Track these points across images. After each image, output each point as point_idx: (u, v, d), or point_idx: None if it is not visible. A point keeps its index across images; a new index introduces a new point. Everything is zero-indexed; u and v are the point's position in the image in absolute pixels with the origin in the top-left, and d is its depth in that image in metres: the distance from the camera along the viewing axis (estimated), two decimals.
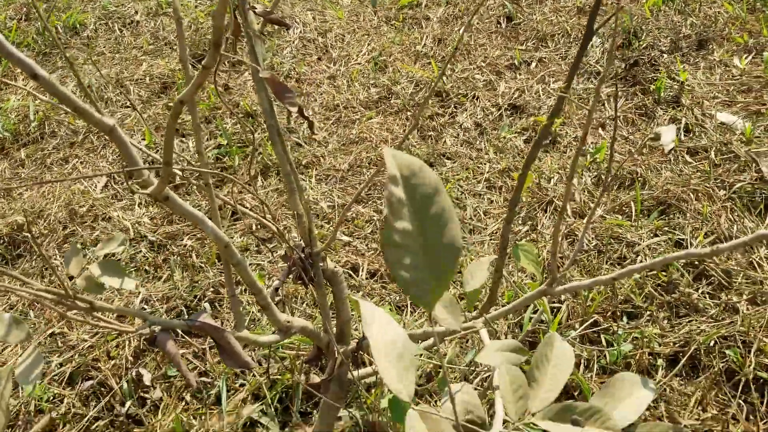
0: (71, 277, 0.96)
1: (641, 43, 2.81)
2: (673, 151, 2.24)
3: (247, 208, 2.21)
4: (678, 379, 1.58)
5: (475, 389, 1.53)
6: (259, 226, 2.12)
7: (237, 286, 1.92)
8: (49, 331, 1.83)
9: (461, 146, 2.48)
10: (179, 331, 1.79)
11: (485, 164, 2.37)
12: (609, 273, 1.76)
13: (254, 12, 1.16)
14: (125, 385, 1.67)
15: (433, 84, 0.96)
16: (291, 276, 1.17)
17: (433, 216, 0.45)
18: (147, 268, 2.02)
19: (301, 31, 3.23)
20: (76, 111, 0.69)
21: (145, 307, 1.88)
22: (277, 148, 1.10)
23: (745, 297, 1.71)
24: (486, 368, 1.59)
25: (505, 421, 0.62)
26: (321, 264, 1.17)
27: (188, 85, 0.73)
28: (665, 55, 2.73)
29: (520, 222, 2.10)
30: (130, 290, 1.93)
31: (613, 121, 2.46)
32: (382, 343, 0.59)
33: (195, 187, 2.29)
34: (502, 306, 1.09)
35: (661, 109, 2.45)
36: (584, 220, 2.01)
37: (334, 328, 1.22)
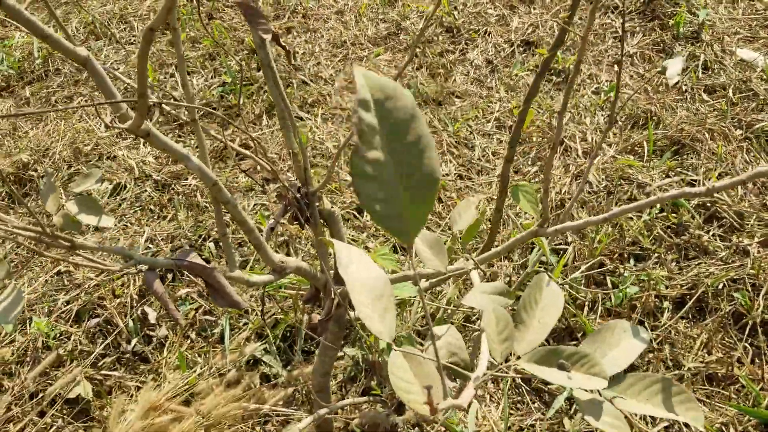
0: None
1: None
2: (689, 89, 2.16)
3: (251, 148, 2.18)
4: (684, 321, 1.56)
5: (477, 331, 1.52)
6: (258, 168, 2.09)
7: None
8: (56, 270, 1.84)
9: (471, 84, 2.41)
10: (184, 272, 1.79)
11: (495, 103, 2.31)
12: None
13: None
14: (131, 323, 1.68)
15: (431, 13, 0.91)
16: (287, 216, 1.15)
17: (409, 144, 0.42)
18: (152, 207, 2.01)
19: None
20: (46, 41, 0.66)
21: (150, 246, 1.88)
22: (270, 82, 1.06)
23: (757, 239, 1.67)
24: None
25: (491, 364, 0.60)
26: (317, 204, 1.14)
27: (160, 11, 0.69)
28: None
29: (529, 163, 2.06)
30: (135, 229, 1.93)
31: (629, 57, 2.38)
32: (360, 284, 0.56)
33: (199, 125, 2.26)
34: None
35: (679, 45, 2.36)
36: (594, 161, 1.96)
37: (332, 269, 1.20)
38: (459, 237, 1.09)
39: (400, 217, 0.42)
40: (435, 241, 0.69)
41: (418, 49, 2.58)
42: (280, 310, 1.62)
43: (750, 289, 1.57)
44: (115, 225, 1.96)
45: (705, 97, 2.13)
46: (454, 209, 0.83)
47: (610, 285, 1.63)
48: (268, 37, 0.70)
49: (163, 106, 1.10)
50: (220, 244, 1.87)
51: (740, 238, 1.68)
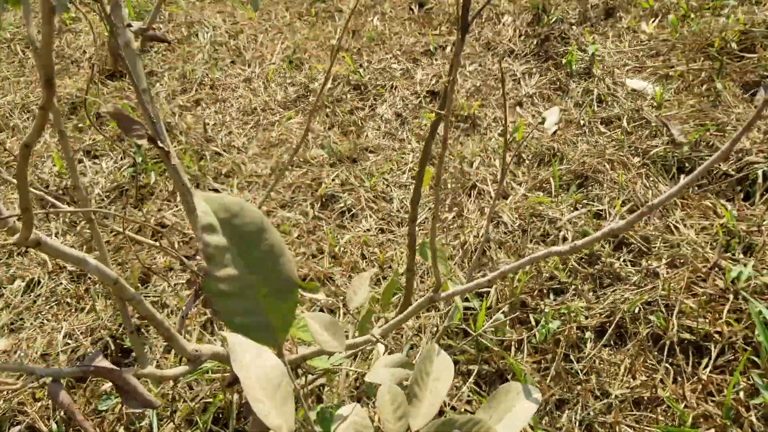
0: None
1: (551, 17, 2.84)
2: (587, 123, 2.27)
3: (168, 224, 2.15)
4: (607, 349, 1.61)
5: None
6: (176, 246, 2.06)
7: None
8: None
9: (383, 138, 2.46)
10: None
11: (408, 154, 2.36)
12: (533, 252, 1.78)
13: (131, 31, 1.11)
14: (55, 427, 1.60)
15: (328, 69, 0.94)
16: (198, 302, 1.14)
17: (262, 254, 0.43)
18: (69, 300, 1.95)
19: (211, 36, 3.15)
20: None
21: (69, 341, 1.82)
22: (170, 168, 1.06)
23: (664, 261, 1.75)
24: None
25: None
26: None
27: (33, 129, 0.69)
28: (575, 27, 2.77)
29: (445, 209, 2.10)
30: (53, 326, 1.86)
31: (529, 98, 2.49)
32: (255, 377, 0.56)
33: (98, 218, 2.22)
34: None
35: (573, 82, 2.48)
36: (507, 201, 2.03)
37: None
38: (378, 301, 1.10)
39: (264, 325, 0.43)
40: (330, 322, 0.70)
41: (328, 109, 2.63)
42: (208, 393, 1.59)
43: (664, 309, 1.63)
44: (31, 324, 1.88)
45: (602, 129, 2.25)
46: (349, 287, 0.84)
47: (533, 322, 1.67)
48: (142, 142, 0.71)
49: (61, 202, 1.08)
50: (137, 337, 1.82)
51: (649, 262, 1.75)
